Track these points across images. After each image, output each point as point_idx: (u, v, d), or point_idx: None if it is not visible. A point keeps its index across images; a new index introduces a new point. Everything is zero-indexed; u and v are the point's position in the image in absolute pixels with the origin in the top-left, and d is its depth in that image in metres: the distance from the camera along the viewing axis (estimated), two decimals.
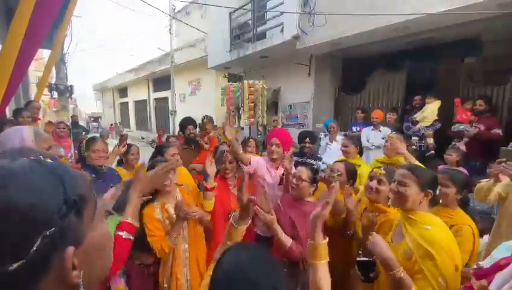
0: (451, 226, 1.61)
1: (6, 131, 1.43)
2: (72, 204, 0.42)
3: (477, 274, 0.95)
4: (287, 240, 1.69)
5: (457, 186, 1.76)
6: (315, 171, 2.01)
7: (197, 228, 2.03)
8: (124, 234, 1.10)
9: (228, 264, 0.78)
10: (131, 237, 1.13)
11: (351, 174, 2.17)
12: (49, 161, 0.46)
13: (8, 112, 4.25)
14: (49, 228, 0.39)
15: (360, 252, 1.47)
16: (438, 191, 1.70)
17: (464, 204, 1.92)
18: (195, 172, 2.98)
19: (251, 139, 3.29)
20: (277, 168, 2.37)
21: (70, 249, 0.41)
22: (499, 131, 3.76)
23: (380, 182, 1.75)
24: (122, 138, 3.01)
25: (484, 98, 4.03)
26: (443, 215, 1.65)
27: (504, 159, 2.07)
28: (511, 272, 0.86)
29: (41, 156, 0.46)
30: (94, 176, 2.17)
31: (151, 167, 1.79)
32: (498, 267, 0.91)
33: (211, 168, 2.03)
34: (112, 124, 16.27)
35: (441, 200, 1.82)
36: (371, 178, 1.82)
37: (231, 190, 2.26)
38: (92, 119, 13.66)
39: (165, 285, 1.89)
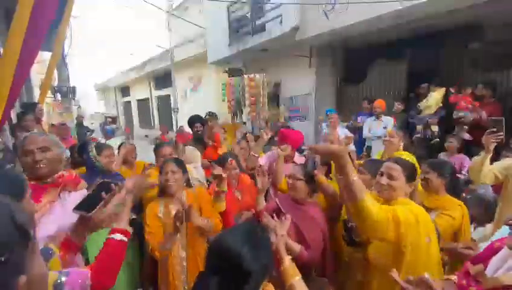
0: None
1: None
2: (23, 234, 0.40)
3: (474, 259, 0.95)
4: (296, 246, 1.59)
5: (436, 172, 1.77)
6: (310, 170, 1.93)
7: (197, 234, 1.90)
8: (117, 236, 1.02)
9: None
10: (125, 239, 1.05)
11: None
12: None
13: (13, 115, 4.29)
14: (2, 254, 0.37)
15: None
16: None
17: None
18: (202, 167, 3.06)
19: (248, 135, 3.50)
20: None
21: (23, 278, 0.39)
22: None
23: (360, 172, 1.85)
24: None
25: (486, 83, 3.95)
26: (430, 200, 1.75)
27: (494, 129, 1.97)
28: (503, 256, 0.86)
29: None
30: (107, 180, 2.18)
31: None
32: (493, 250, 0.92)
33: (221, 172, 1.93)
34: (127, 126, 16.08)
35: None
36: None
37: (234, 193, 2.27)
38: (109, 120, 11.14)
39: None
